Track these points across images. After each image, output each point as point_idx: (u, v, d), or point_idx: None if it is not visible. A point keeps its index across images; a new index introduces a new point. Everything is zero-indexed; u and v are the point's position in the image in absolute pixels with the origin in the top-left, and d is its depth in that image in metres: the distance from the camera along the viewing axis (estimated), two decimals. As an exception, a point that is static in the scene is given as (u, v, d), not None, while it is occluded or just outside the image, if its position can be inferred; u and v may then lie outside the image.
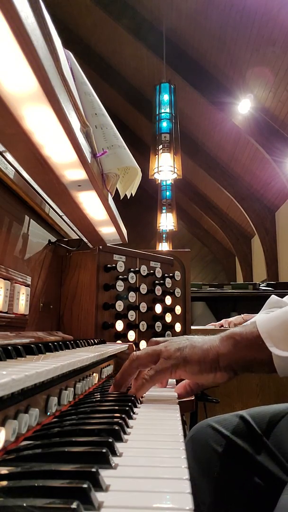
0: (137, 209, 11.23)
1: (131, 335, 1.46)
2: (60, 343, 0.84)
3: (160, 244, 8.71)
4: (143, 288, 1.50)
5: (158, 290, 1.57)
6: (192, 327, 1.85)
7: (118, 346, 1.15)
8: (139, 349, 1.46)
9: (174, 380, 0.97)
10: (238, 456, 0.88)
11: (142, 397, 0.81)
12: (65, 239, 1.37)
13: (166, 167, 6.40)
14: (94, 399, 0.73)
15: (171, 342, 0.79)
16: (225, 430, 0.91)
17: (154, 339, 0.85)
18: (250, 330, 0.74)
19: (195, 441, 0.92)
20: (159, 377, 0.76)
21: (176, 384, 0.90)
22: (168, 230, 8.52)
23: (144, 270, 1.51)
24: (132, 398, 0.70)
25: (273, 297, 1.02)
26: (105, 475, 0.36)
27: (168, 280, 1.61)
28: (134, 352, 0.79)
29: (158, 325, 1.55)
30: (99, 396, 0.77)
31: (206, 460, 0.89)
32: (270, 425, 0.91)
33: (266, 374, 0.75)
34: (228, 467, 0.87)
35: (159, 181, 7.63)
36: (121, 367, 0.81)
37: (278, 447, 0.87)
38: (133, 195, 1.19)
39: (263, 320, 0.74)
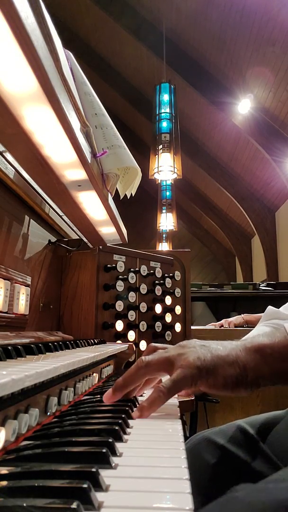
0: (137, 209, 11.23)
1: (131, 335, 1.46)
2: (60, 343, 0.84)
3: (160, 244, 8.70)
4: (143, 288, 1.50)
5: (158, 290, 1.57)
6: (192, 327, 1.85)
7: (118, 346, 1.15)
8: (139, 349, 1.46)
9: None
10: (235, 468, 0.85)
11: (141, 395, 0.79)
12: (65, 239, 1.37)
13: (166, 167, 6.40)
14: (94, 399, 0.73)
15: (186, 348, 0.68)
16: (221, 439, 0.88)
17: (153, 344, 0.78)
18: (281, 341, 0.69)
19: (189, 456, 0.90)
20: (177, 389, 0.66)
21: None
22: (168, 230, 8.51)
23: (144, 270, 1.51)
24: (132, 398, 0.70)
25: (270, 308, 1.00)
26: (105, 475, 0.36)
27: (168, 280, 1.61)
28: (143, 357, 0.70)
29: (158, 325, 1.55)
30: (99, 396, 0.77)
31: (201, 476, 0.85)
32: (267, 429, 0.89)
33: None
34: (225, 480, 0.85)
35: (159, 181, 7.62)
36: (121, 367, 0.80)
37: (272, 449, 0.85)
38: (133, 195, 1.19)
39: None
